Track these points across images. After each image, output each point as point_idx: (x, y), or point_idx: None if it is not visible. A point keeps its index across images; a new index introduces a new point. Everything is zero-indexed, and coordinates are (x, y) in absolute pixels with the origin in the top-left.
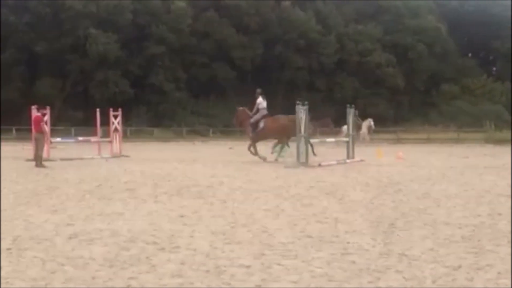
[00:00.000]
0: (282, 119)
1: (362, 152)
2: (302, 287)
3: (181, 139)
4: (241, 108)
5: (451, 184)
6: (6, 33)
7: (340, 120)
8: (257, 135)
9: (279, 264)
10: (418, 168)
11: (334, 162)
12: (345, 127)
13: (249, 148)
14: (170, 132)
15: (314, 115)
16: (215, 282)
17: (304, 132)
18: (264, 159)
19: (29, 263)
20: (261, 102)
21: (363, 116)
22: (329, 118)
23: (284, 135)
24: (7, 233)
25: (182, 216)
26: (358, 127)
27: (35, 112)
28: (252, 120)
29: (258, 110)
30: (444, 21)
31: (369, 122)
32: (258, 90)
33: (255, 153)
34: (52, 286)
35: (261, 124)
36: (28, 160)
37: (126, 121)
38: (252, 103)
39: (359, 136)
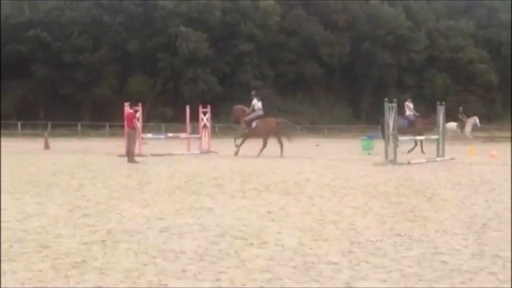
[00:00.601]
0: (270, 121)
1: (454, 150)
2: (391, 286)
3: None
4: (238, 106)
5: None
6: (100, 32)
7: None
8: (249, 133)
9: (367, 262)
10: None
11: (424, 160)
12: (449, 124)
13: (235, 139)
14: None
15: (424, 113)
16: (303, 278)
17: (393, 129)
18: (236, 153)
19: (123, 255)
20: (256, 103)
21: (453, 113)
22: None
23: (272, 135)
24: (101, 225)
25: (270, 212)
26: (462, 126)
27: (127, 109)
28: (246, 119)
29: (254, 110)
30: None
31: (474, 120)
32: (253, 92)
33: (238, 146)
34: (145, 277)
35: (254, 124)
36: (121, 155)
37: (214, 117)
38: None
39: (465, 134)
